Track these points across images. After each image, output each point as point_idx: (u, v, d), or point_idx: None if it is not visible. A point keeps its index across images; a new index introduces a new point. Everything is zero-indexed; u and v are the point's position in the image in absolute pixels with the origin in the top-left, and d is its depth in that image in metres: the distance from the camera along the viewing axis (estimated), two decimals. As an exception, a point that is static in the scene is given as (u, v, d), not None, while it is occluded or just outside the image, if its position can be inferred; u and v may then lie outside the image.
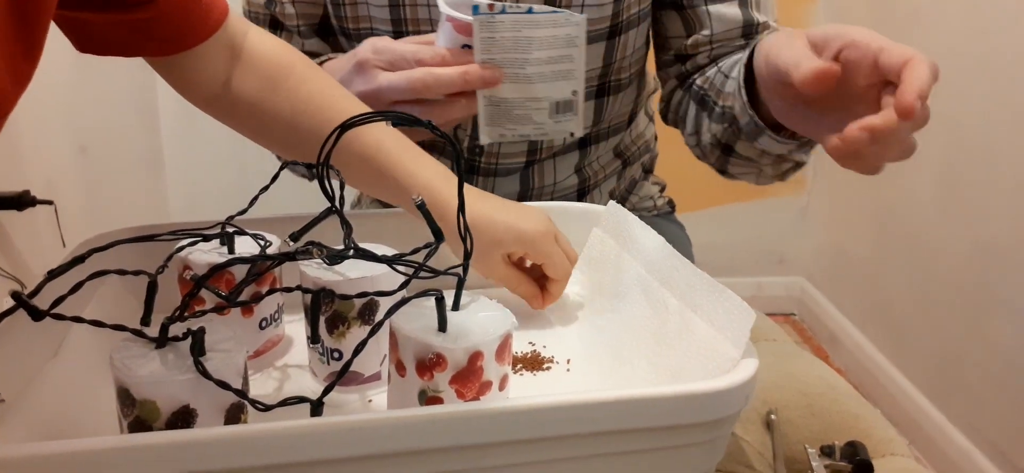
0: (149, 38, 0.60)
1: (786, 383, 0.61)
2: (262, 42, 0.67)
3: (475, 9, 0.69)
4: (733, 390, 0.45)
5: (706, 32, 0.83)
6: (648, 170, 1.04)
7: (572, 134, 0.72)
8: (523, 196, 0.92)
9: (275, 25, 0.88)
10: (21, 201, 1.67)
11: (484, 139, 0.74)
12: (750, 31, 0.83)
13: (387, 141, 0.65)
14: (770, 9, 0.85)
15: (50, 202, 1.70)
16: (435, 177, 0.65)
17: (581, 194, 0.95)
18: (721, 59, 0.84)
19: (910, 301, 1.89)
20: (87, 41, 0.60)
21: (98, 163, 1.85)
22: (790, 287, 2.43)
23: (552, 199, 0.93)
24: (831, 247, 2.28)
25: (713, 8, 0.83)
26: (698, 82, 0.85)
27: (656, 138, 1.05)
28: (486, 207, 0.66)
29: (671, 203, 1.06)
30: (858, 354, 2.10)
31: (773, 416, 0.58)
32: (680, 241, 1.02)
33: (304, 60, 0.68)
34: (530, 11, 0.68)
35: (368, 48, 0.74)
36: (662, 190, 1.05)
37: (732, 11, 0.83)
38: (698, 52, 0.85)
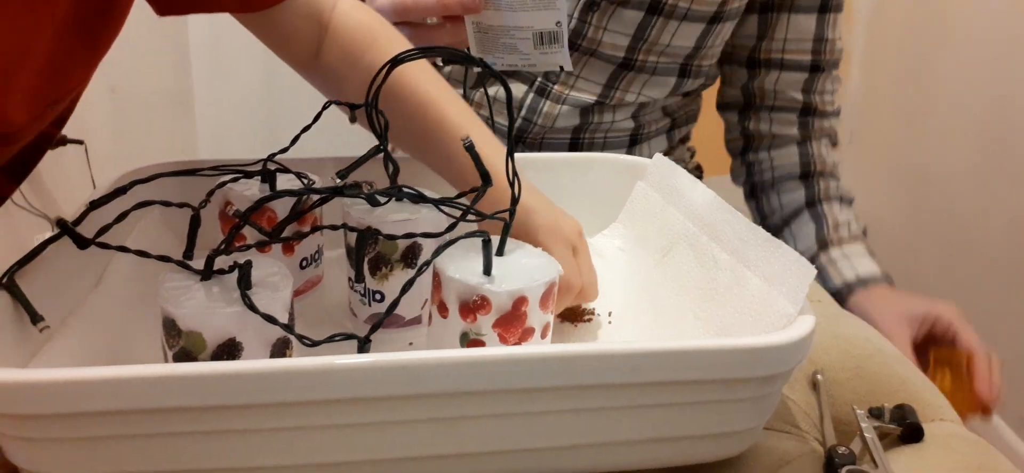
0: None
1: (833, 344, 0.60)
2: (349, 13, 0.65)
3: None
4: (790, 346, 0.43)
5: (780, 36, 0.91)
6: (685, 139, 1.04)
7: (561, 68, 0.70)
8: (581, 128, 0.92)
9: None
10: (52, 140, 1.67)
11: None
12: (820, 48, 0.92)
13: (440, 99, 0.64)
14: (841, 25, 0.93)
15: (81, 142, 1.70)
16: (484, 143, 0.63)
17: (633, 140, 0.95)
18: (786, 75, 0.93)
19: (942, 274, 1.86)
20: (168, 4, 0.60)
21: (128, 103, 1.85)
22: (817, 256, 2.41)
23: (605, 138, 0.93)
24: (862, 214, 2.24)
25: (794, 16, 0.91)
26: (751, 162, 0.99)
27: (699, 109, 1.05)
28: (529, 199, 0.63)
29: (699, 168, 1.06)
30: (884, 326, 2.07)
31: (819, 376, 0.57)
32: None
33: (389, 32, 0.66)
34: None
35: None
36: (692, 155, 1.05)
37: (808, 22, 0.91)
38: (770, 56, 0.93)
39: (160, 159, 0.72)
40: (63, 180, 1.94)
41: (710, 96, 1.04)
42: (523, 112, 0.91)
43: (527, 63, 0.70)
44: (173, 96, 1.93)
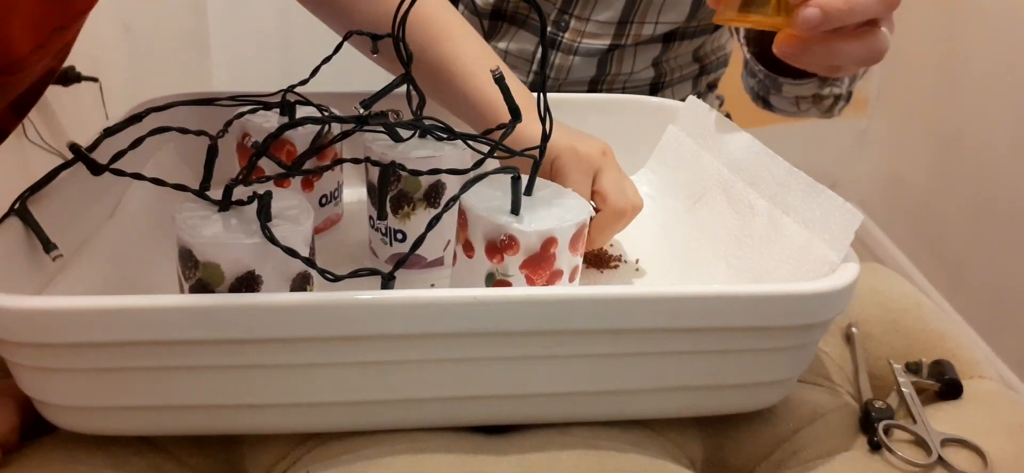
0: None
1: (868, 298, 0.57)
2: None
3: None
4: (833, 294, 0.41)
5: None
6: (713, 85, 1.00)
7: None
8: (597, 80, 0.88)
9: None
10: (66, 77, 1.66)
11: None
12: None
13: (457, 32, 0.60)
14: None
15: (95, 79, 1.69)
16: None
17: (654, 89, 0.91)
18: None
19: (968, 235, 1.83)
20: None
21: (142, 41, 1.83)
22: (839, 212, 2.37)
23: (624, 89, 0.89)
24: (888, 173, 2.20)
25: None
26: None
27: (730, 55, 1.01)
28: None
29: (728, 116, 1.01)
30: (905, 286, 2.05)
31: (854, 329, 0.55)
32: None
33: None
34: None
35: None
36: (721, 104, 1.01)
37: None
38: None
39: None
40: (77, 117, 1.92)
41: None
42: (533, 66, 0.88)
43: None
44: (188, 34, 1.91)
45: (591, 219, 0.54)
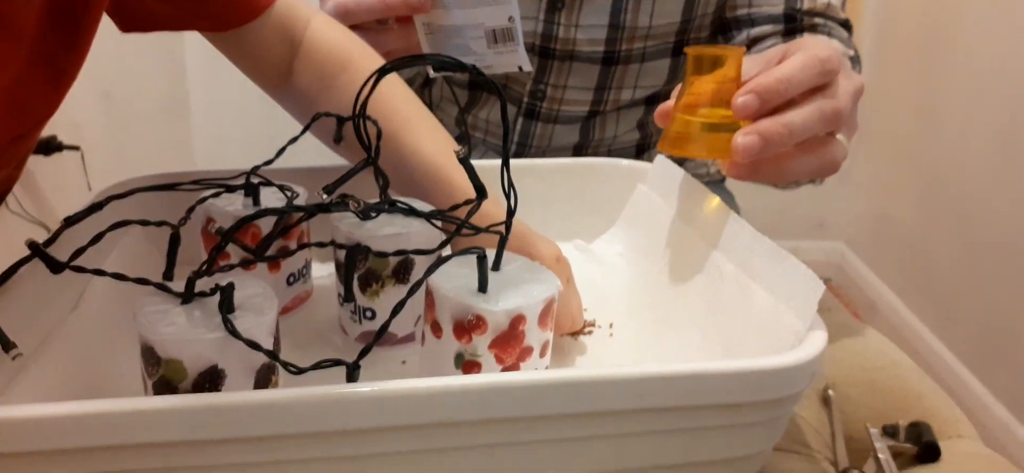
0: (194, 14, 0.59)
1: (844, 357, 0.57)
2: (323, 33, 0.63)
3: None
4: (799, 367, 0.41)
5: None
6: None
7: (520, 68, 0.67)
8: (580, 147, 0.88)
9: None
10: (48, 146, 1.66)
11: (432, 71, 0.71)
12: (793, 13, 0.79)
13: (426, 147, 0.61)
14: None
15: (77, 148, 1.69)
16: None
17: (640, 151, 0.91)
18: (757, 30, 0.80)
19: (956, 270, 1.84)
20: (131, 21, 0.59)
21: (123, 108, 1.83)
22: (829, 252, 2.38)
23: (609, 153, 0.89)
24: (873, 211, 2.22)
25: None
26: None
27: None
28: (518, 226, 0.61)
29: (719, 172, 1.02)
30: (898, 324, 2.05)
31: (831, 392, 0.54)
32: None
33: (364, 53, 0.63)
34: None
35: None
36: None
37: None
38: (736, 13, 0.81)
39: (155, 164, 0.70)
40: (60, 186, 1.92)
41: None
42: (516, 137, 0.87)
43: (483, 63, 0.67)
44: (168, 101, 1.92)
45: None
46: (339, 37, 0.64)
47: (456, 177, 0.58)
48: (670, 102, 0.55)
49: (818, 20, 0.78)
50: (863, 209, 2.25)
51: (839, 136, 0.52)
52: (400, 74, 0.56)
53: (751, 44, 0.80)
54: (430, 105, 0.96)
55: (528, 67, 0.67)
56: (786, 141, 0.49)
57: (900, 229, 2.10)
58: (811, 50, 0.51)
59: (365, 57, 0.63)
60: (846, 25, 0.81)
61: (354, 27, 0.68)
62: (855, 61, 0.77)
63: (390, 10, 0.67)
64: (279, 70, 0.63)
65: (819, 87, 0.51)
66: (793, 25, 0.79)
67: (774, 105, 0.50)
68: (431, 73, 0.68)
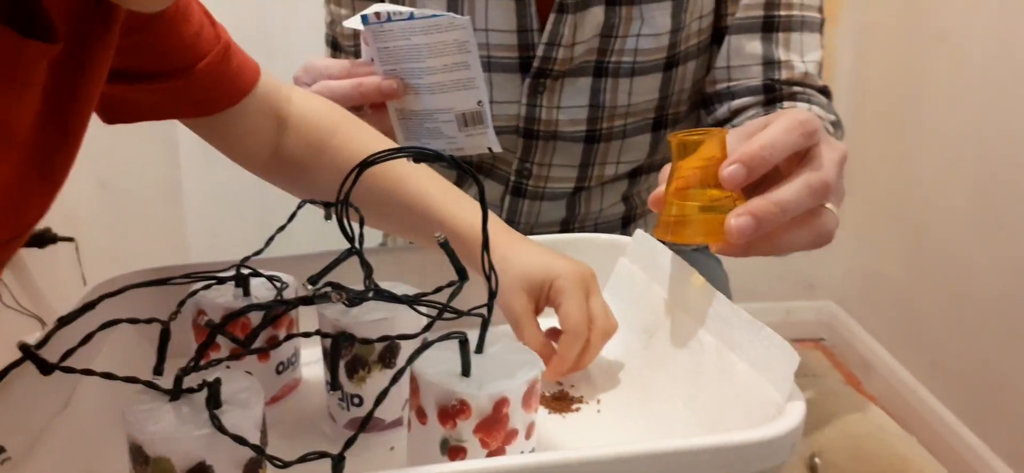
0: (179, 102, 0.60)
1: (829, 423, 0.58)
2: (307, 104, 0.65)
3: (364, 19, 0.67)
4: (779, 439, 0.42)
5: (723, 65, 0.81)
6: None
7: (490, 149, 0.69)
8: (567, 222, 0.90)
9: (335, 46, 0.88)
10: (42, 238, 1.67)
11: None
12: (771, 71, 0.80)
13: (432, 188, 0.64)
14: (809, 47, 0.81)
15: (71, 239, 1.70)
16: (477, 217, 0.63)
17: (626, 223, 0.93)
18: (738, 102, 0.81)
19: (946, 324, 1.84)
20: (117, 113, 0.60)
21: (118, 198, 1.85)
22: (819, 312, 2.38)
23: (596, 227, 0.91)
24: (861, 270, 2.23)
25: (734, 38, 0.81)
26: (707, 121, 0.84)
27: None
28: (530, 246, 0.64)
29: None
30: (892, 380, 2.04)
31: (817, 459, 0.55)
32: (717, 277, 0.98)
33: (349, 119, 0.66)
34: (411, 17, 0.65)
35: (302, 66, 0.74)
36: None
37: (752, 44, 0.80)
38: (716, 88, 0.82)
39: (150, 251, 0.72)
40: (54, 278, 1.93)
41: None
42: (503, 215, 0.89)
43: (454, 146, 0.69)
44: (163, 189, 1.94)
45: (564, 337, 0.59)
46: (322, 106, 0.66)
47: (470, 210, 0.62)
48: (661, 188, 0.56)
49: (797, 89, 0.80)
50: (851, 268, 2.27)
51: (829, 205, 0.53)
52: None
53: (732, 116, 0.81)
54: None
55: (497, 148, 0.69)
56: (778, 219, 0.49)
57: (888, 286, 2.11)
58: (790, 114, 0.52)
59: (350, 120, 0.65)
60: (825, 91, 0.82)
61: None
62: (837, 126, 0.78)
63: (365, 98, 0.69)
64: (268, 147, 0.64)
65: (803, 153, 0.52)
66: (772, 95, 0.79)
67: (761, 172, 0.51)
68: (410, 160, 0.70)
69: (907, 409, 1.95)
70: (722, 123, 0.82)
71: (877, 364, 2.12)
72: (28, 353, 0.45)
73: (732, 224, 0.49)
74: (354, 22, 0.70)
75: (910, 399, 1.96)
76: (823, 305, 2.38)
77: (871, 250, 2.17)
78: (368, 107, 0.71)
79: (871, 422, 0.58)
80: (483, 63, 0.82)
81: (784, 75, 0.80)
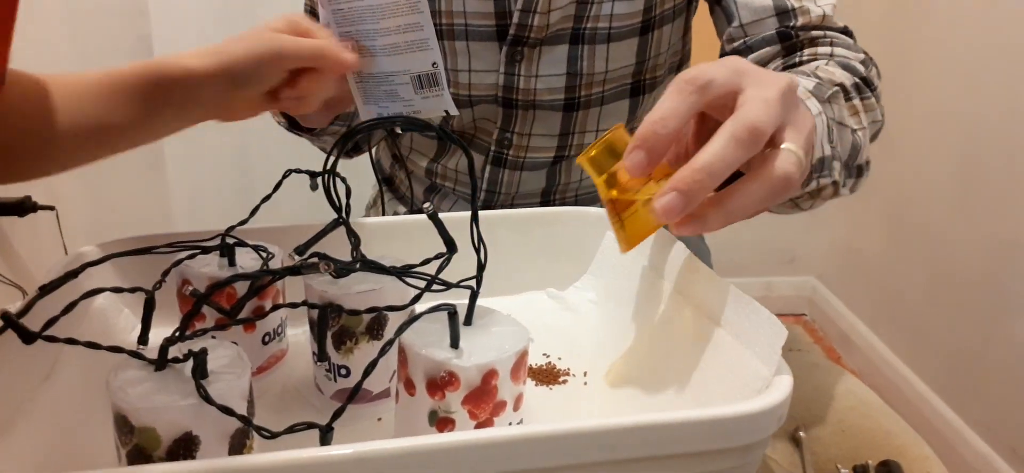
0: None
1: (814, 397, 0.58)
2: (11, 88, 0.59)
3: None
4: (766, 413, 0.42)
5: (737, 24, 0.78)
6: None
7: (446, 112, 0.69)
8: (548, 191, 0.90)
9: (313, 13, 0.87)
10: (23, 207, 1.65)
11: (364, 116, 0.72)
12: (785, 19, 0.76)
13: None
14: None
15: (52, 208, 1.68)
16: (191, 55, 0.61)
17: None
18: (754, 56, 0.77)
19: (925, 299, 1.87)
20: None
21: (99, 166, 1.82)
22: (801, 287, 2.41)
23: (577, 198, 0.91)
24: (842, 245, 2.25)
25: None
26: None
27: None
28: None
29: None
30: (871, 355, 2.07)
31: (801, 433, 0.55)
32: (700, 251, 0.99)
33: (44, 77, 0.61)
34: None
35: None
36: None
37: None
38: (734, 45, 0.78)
39: (132, 219, 0.70)
40: (36, 247, 1.90)
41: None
42: (484, 185, 0.89)
43: (411, 109, 0.69)
44: (144, 157, 1.92)
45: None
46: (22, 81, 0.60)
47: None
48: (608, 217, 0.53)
49: (816, 33, 0.76)
50: (832, 243, 2.29)
51: (786, 145, 0.46)
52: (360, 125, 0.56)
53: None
54: (399, 155, 0.97)
55: (454, 110, 0.68)
56: (706, 183, 0.44)
57: (869, 261, 2.13)
58: (741, 118, 0.45)
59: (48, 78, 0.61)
60: (847, 32, 0.78)
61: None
62: (869, 63, 0.74)
63: (323, 62, 0.67)
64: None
65: (731, 103, 0.47)
66: (789, 42, 0.76)
67: (665, 148, 0.46)
68: (398, 130, 0.70)
69: (886, 383, 1.98)
70: None
71: (856, 339, 2.14)
72: (10, 322, 0.45)
73: (658, 206, 0.45)
74: None
75: (889, 373, 1.98)
76: (804, 280, 2.40)
77: (852, 226, 2.18)
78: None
79: (855, 396, 0.58)
80: (461, 32, 0.81)
81: (800, 21, 0.76)
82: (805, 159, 0.47)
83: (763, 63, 0.77)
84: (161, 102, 0.61)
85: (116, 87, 0.60)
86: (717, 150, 0.44)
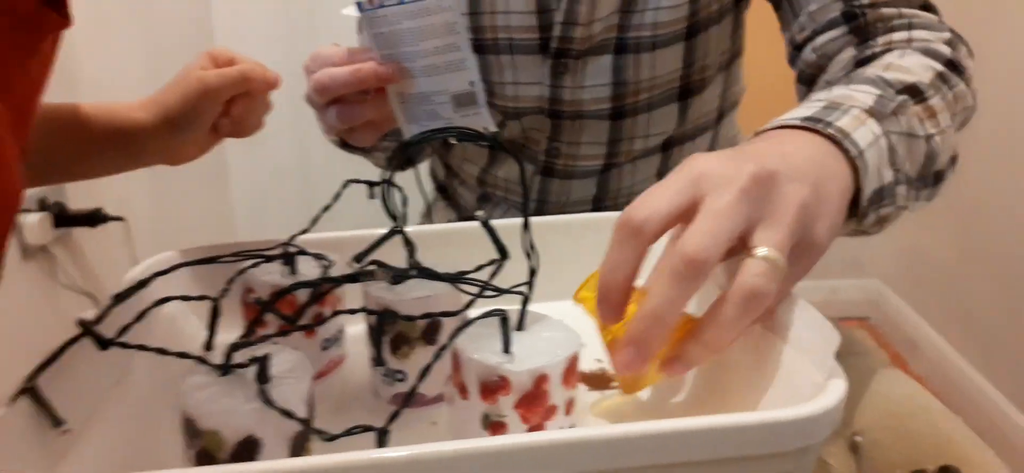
0: None
1: (872, 402, 0.57)
2: None
3: (359, 6, 0.68)
4: (820, 416, 0.42)
5: (805, 13, 0.74)
6: (734, 137, 0.97)
7: (486, 129, 0.69)
8: (599, 198, 0.90)
9: None
10: (94, 218, 1.72)
11: (407, 135, 0.73)
12: (852, 11, 0.71)
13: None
14: None
15: (122, 218, 1.75)
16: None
17: None
18: (820, 40, 0.73)
19: (997, 305, 1.80)
20: None
21: (166, 179, 1.89)
22: (866, 290, 2.35)
23: (628, 203, 0.90)
24: (910, 248, 2.19)
25: None
26: (800, 70, 0.74)
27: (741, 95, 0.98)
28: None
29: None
30: (939, 360, 2.01)
31: (859, 439, 0.55)
32: None
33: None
34: (401, 2, 0.66)
35: (310, 55, 0.74)
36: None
37: None
38: (804, 34, 0.74)
39: (198, 230, 0.74)
40: (106, 257, 1.97)
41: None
42: (534, 195, 0.89)
43: (452, 127, 0.70)
44: (209, 170, 1.98)
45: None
46: None
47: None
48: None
49: (890, 12, 0.70)
50: (898, 246, 2.23)
51: (756, 251, 0.43)
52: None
53: (820, 59, 0.73)
54: (450, 165, 0.98)
55: (492, 127, 0.69)
56: (657, 330, 0.43)
57: (936, 265, 2.07)
58: (678, 249, 0.43)
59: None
60: (928, 7, 0.72)
61: (333, 101, 0.71)
62: (956, 43, 0.68)
63: (363, 84, 0.69)
64: None
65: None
66: (856, 23, 0.70)
67: (660, 341, 0.44)
68: (452, 140, 0.71)
69: (954, 389, 1.92)
70: (811, 68, 0.74)
71: (923, 343, 2.08)
72: (87, 329, 0.47)
73: (618, 363, 0.43)
74: (350, 9, 0.71)
75: (958, 380, 1.92)
76: (869, 283, 2.35)
77: (919, 228, 2.13)
78: (373, 92, 0.72)
79: (915, 401, 0.57)
80: (505, 45, 0.82)
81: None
82: (782, 257, 0.43)
83: (832, 54, 0.72)
84: (111, 148, 0.66)
85: (69, 123, 0.65)
86: (658, 292, 0.42)
